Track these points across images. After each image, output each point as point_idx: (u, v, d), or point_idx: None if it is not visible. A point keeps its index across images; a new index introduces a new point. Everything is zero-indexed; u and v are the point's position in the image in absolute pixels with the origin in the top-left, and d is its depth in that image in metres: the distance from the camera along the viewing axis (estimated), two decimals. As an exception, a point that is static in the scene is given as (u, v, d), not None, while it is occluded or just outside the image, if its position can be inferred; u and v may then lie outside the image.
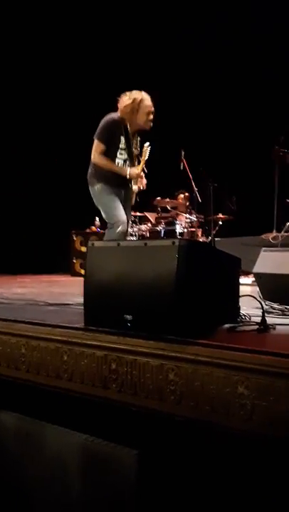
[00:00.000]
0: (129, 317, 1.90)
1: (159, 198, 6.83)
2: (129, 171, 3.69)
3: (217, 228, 6.43)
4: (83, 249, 6.26)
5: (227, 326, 2.01)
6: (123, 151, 3.67)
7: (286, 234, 5.28)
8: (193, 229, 6.63)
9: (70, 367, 2.02)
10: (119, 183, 3.69)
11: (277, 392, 1.47)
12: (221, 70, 7.48)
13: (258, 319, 2.02)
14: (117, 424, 1.99)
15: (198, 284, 1.85)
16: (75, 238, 6.58)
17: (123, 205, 3.70)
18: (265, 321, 1.97)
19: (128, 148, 3.67)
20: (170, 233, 6.56)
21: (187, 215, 6.65)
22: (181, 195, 7.20)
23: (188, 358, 1.69)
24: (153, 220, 7.02)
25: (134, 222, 6.86)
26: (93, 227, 6.71)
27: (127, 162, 3.69)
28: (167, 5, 7.26)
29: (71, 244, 6.59)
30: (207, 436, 1.76)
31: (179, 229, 6.57)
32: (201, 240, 6.46)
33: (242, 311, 2.19)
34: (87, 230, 6.73)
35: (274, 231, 5.40)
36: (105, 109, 3.72)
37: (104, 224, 6.67)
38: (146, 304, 1.87)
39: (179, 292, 1.78)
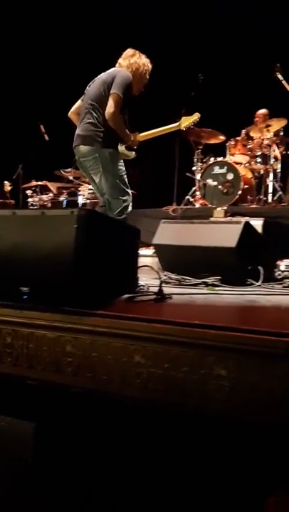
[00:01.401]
0: (25, 289, 1.83)
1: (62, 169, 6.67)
2: (134, 137, 3.39)
3: (120, 200, 6.41)
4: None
5: (126, 296, 2.01)
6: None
7: (185, 207, 5.43)
8: (95, 200, 6.57)
9: None
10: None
11: (172, 359, 1.51)
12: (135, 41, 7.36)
13: (156, 289, 2.06)
14: (13, 398, 1.94)
15: (97, 254, 1.82)
16: None
17: None
18: (162, 290, 2.00)
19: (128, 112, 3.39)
20: (72, 204, 6.45)
21: (90, 186, 6.57)
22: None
23: (86, 329, 1.67)
24: (55, 191, 6.85)
25: (34, 191, 6.65)
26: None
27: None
28: None
29: None
30: (106, 406, 1.77)
31: (81, 200, 6.48)
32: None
33: (141, 282, 2.22)
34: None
35: (174, 204, 5.52)
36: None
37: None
38: (44, 276, 1.81)
39: (78, 263, 1.74)
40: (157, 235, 2.93)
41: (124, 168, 3.42)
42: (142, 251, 4.57)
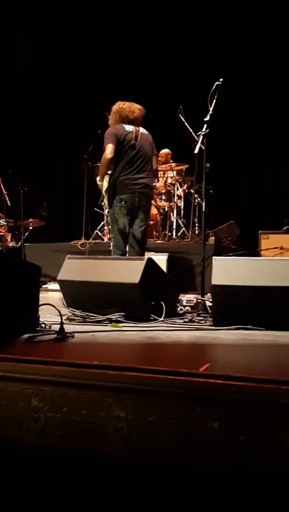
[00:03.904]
0: None
1: None
2: None
3: (27, 233, 6.30)
4: None
5: (25, 336, 1.95)
6: None
7: (94, 241, 5.44)
8: (2, 233, 6.37)
9: None
10: None
11: (70, 402, 1.47)
12: (36, 76, 7.40)
13: (58, 328, 2.01)
14: None
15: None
16: None
17: None
18: (63, 329, 1.96)
19: None
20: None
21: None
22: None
23: (-21, 374, 1.58)
24: None
25: None
26: None
27: None
28: None
29: None
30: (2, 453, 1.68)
31: (-11, 231, 6.25)
32: (10, 244, 6.25)
33: (45, 320, 2.16)
34: None
35: (83, 238, 5.52)
36: None
37: None
38: None
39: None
40: (62, 270, 2.88)
41: None
42: (51, 286, 4.48)
